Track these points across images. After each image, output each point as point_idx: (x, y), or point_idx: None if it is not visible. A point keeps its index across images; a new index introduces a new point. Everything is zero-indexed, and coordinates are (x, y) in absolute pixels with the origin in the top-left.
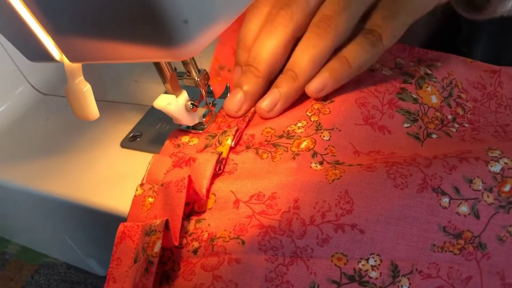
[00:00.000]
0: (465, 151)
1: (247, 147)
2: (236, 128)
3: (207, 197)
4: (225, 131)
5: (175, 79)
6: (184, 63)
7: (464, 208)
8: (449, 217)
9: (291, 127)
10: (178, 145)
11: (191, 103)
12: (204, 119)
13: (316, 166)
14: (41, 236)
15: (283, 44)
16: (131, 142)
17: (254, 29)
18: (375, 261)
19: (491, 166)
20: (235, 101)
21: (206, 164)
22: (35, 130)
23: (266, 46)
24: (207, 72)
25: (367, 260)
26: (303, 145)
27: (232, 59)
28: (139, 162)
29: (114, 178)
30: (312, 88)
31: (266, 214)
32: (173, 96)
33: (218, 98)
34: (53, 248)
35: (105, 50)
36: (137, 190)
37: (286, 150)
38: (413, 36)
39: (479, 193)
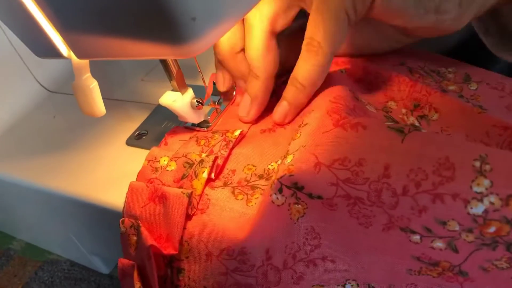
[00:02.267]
0: (447, 167)
1: (225, 184)
2: (214, 156)
3: (181, 243)
4: (202, 160)
5: (181, 76)
6: None
7: (439, 244)
8: (422, 251)
9: (271, 165)
10: (156, 169)
11: (197, 101)
12: (209, 117)
13: (277, 198)
14: (46, 233)
15: (262, 40)
16: (136, 140)
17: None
18: (352, 286)
19: (472, 208)
20: (243, 109)
21: (177, 209)
22: (42, 127)
23: (250, 49)
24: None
25: (344, 286)
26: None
27: None
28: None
29: (119, 175)
30: (276, 118)
31: (240, 271)
32: (178, 94)
33: (223, 97)
34: (57, 245)
35: (112, 46)
36: (120, 227)
37: (263, 194)
38: (444, 40)
39: (456, 233)
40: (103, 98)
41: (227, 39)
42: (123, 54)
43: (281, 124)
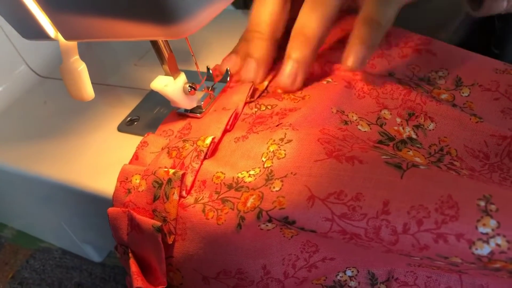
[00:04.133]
0: (450, 205)
1: (196, 200)
2: (181, 174)
3: (173, 271)
4: (170, 180)
5: (173, 60)
6: None
7: (440, 263)
8: (420, 262)
9: (241, 174)
10: (129, 191)
11: (189, 86)
12: (202, 103)
13: (267, 226)
14: (37, 221)
15: (277, 5)
16: (128, 126)
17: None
18: (352, 272)
19: (476, 249)
20: (249, 70)
21: (154, 245)
22: (32, 112)
23: (263, 8)
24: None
25: (345, 272)
26: (249, 203)
27: None
28: (136, 147)
29: (110, 162)
30: (350, 63)
31: (241, 286)
32: (170, 78)
33: (218, 82)
34: (49, 233)
35: (101, 27)
36: (114, 252)
37: (233, 208)
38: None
39: (458, 263)
40: (95, 83)
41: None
42: (112, 35)
43: (289, 91)
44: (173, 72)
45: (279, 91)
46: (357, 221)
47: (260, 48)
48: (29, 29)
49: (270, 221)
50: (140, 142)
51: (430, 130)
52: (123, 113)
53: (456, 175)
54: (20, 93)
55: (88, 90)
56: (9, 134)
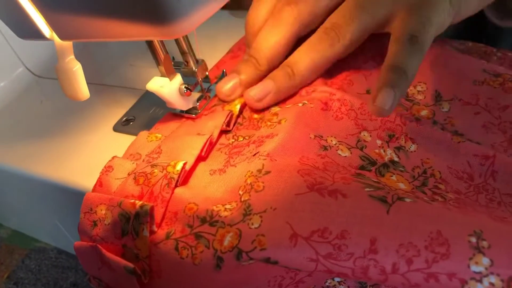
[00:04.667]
0: (440, 242)
1: (168, 236)
2: (149, 208)
3: None
4: (137, 214)
5: (169, 61)
6: (182, 53)
7: None
8: None
9: (216, 207)
10: (94, 223)
11: (185, 87)
12: (198, 104)
13: (248, 262)
14: (32, 220)
15: (285, 41)
16: (124, 126)
17: (261, 15)
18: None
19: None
20: (229, 85)
21: (131, 286)
22: (29, 112)
23: (268, 40)
24: (205, 63)
25: (333, 278)
26: (226, 242)
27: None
28: None
29: (105, 162)
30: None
31: None
32: (166, 79)
33: (214, 83)
34: (44, 232)
35: (96, 27)
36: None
37: (208, 246)
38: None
39: None
40: (92, 83)
41: (264, 13)
42: (107, 35)
43: (254, 108)
44: (169, 73)
45: (255, 116)
46: (343, 261)
47: (250, 74)
48: (24, 29)
49: (251, 259)
50: (104, 167)
51: (412, 151)
52: (119, 113)
53: (444, 205)
54: (17, 92)
55: (83, 90)
56: (5, 133)
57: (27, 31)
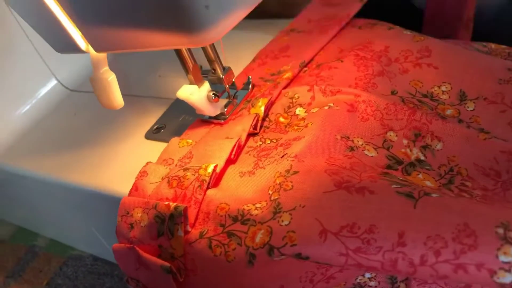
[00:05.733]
0: (468, 234)
1: (201, 235)
2: (183, 208)
3: None
4: (172, 215)
5: (197, 70)
6: (209, 61)
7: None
8: None
9: (247, 206)
10: (131, 226)
11: (213, 94)
12: (225, 110)
13: (280, 258)
14: (69, 229)
15: None
16: (155, 133)
17: None
18: (371, 273)
19: (498, 278)
20: None
21: (165, 284)
22: (63, 124)
23: None
24: (231, 70)
25: (363, 275)
26: (258, 239)
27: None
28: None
29: (139, 168)
30: None
31: None
32: (195, 87)
33: (240, 90)
34: (80, 240)
35: (129, 38)
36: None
37: (240, 243)
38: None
39: None
40: (123, 94)
41: None
42: (139, 45)
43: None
44: (198, 81)
45: (282, 119)
46: (372, 254)
47: None
48: (61, 42)
49: (282, 255)
50: (139, 172)
51: (438, 150)
52: (149, 121)
53: (470, 200)
54: (51, 106)
55: (117, 98)
56: (43, 145)
57: (65, 45)
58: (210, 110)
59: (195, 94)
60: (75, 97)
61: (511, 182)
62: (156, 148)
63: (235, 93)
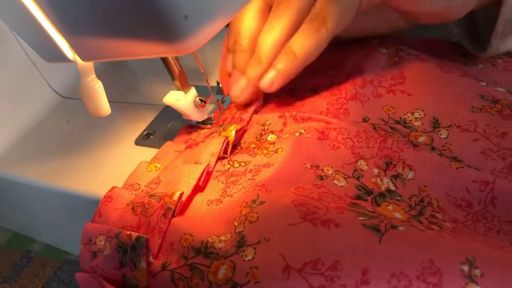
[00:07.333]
0: (432, 271)
1: (164, 267)
2: (145, 240)
3: None
4: (134, 247)
5: (183, 76)
6: None
7: None
8: None
9: (211, 238)
10: (94, 254)
11: (199, 99)
12: (212, 115)
13: None
14: (63, 234)
15: (284, 37)
16: (145, 139)
17: (250, 20)
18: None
19: None
20: (239, 89)
21: None
22: (56, 131)
23: (269, 39)
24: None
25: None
26: (220, 274)
27: None
28: (151, 159)
29: (129, 173)
30: (262, 85)
31: None
32: (181, 92)
33: (227, 95)
34: (74, 245)
35: (113, 47)
36: None
37: (203, 278)
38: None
39: None
40: (114, 101)
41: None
42: (123, 54)
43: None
44: (184, 87)
45: (252, 145)
46: None
47: (255, 71)
48: (49, 51)
49: None
50: (104, 197)
51: (409, 179)
52: (139, 127)
53: (439, 233)
54: (45, 113)
55: (104, 106)
56: (35, 151)
57: (52, 54)
58: (197, 115)
59: (181, 99)
60: (68, 104)
61: (482, 214)
62: (146, 154)
63: (222, 98)
